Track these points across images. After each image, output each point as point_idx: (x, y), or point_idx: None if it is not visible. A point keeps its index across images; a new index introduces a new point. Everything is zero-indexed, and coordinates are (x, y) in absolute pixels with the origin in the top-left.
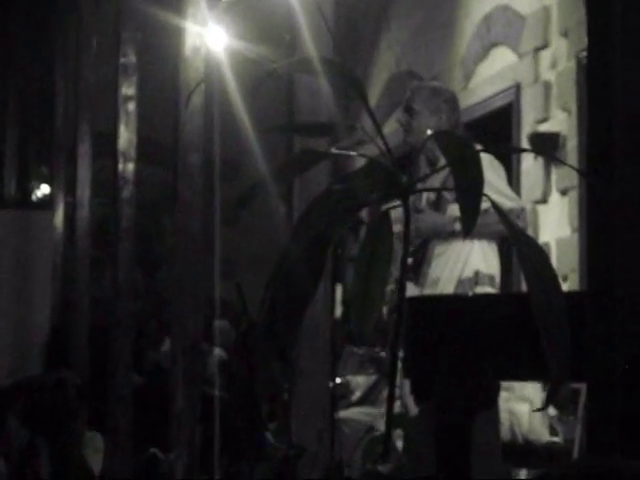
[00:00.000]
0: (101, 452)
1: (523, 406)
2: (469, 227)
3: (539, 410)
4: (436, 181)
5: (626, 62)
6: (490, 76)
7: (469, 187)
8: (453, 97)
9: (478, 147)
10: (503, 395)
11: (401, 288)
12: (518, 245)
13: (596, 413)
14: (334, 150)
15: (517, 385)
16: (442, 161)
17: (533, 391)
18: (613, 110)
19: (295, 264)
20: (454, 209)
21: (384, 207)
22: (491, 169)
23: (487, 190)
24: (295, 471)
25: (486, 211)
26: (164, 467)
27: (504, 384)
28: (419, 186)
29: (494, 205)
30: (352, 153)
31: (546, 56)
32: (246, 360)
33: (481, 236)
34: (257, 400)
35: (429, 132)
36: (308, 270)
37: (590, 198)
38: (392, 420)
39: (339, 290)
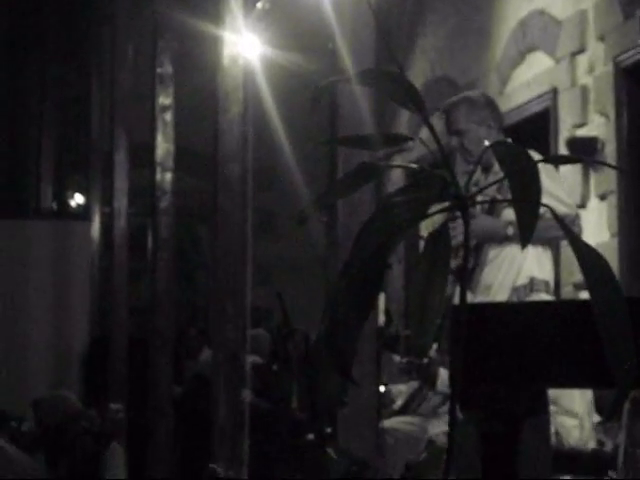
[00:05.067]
0: None
1: (570, 420)
2: (526, 239)
3: (605, 422)
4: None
5: None
6: (526, 81)
7: (526, 199)
8: (489, 99)
9: (536, 157)
10: (550, 409)
11: (462, 298)
12: (578, 251)
13: None
14: (385, 162)
15: (565, 399)
16: (496, 166)
17: (581, 404)
18: None
19: (357, 276)
20: (508, 213)
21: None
22: (545, 174)
23: (542, 195)
24: None
25: (541, 216)
26: None
27: (552, 398)
28: (477, 196)
29: (552, 212)
30: (412, 165)
31: (583, 60)
32: (287, 366)
33: (535, 241)
34: (319, 415)
35: (486, 143)
36: (369, 281)
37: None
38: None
39: (381, 298)
